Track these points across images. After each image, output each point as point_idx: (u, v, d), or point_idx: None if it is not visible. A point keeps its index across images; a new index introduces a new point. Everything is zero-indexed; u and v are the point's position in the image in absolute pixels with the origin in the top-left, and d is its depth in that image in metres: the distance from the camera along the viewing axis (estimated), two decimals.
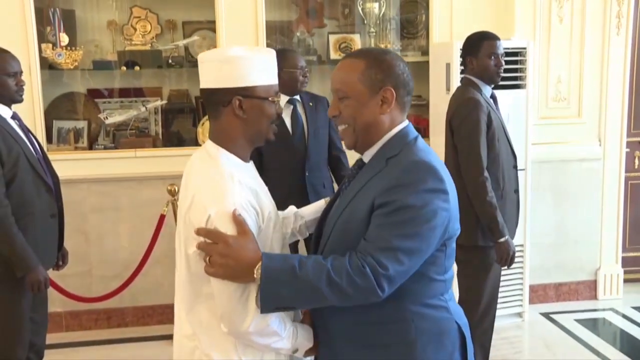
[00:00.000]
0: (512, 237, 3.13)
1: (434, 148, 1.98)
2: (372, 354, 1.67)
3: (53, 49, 4.02)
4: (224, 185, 1.61)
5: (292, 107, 3.46)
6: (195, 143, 4.17)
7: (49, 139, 4.10)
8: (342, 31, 4.58)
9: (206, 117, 4.01)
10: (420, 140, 1.71)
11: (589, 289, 4.58)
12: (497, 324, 3.42)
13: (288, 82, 3.34)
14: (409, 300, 1.65)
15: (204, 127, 4.12)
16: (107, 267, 4.08)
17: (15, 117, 2.90)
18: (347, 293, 1.53)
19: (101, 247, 4.09)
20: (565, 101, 4.36)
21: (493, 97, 3.24)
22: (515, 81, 3.96)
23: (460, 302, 2.84)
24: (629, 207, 4.69)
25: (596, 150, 4.45)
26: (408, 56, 4.42)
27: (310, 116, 3.50)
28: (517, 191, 3.24)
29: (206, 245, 1.58)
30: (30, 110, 3.79)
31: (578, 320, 4.25)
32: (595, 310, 4.44)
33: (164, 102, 4.34)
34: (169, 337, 3.80)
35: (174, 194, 3.69)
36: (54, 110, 4.22)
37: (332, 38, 4.48)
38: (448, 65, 3.93)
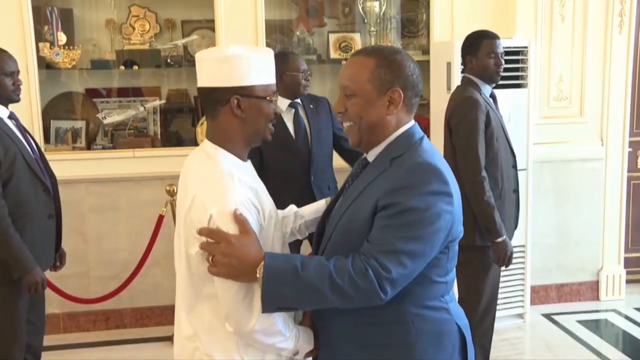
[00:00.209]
0: (511, 237, 3.12)
1: None
2: (372, 355, 1.67)
3: (51, 48, 4.00)
4: (224, 185, 1.61)
5: (293, 110, 3.42)
6: (195, 143, 4.15)
7: (47, 139, 4.08)
8: (342, 30, 4.56)
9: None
10: (426, 141, 1.70)
11: (591, 289, 4.55)
12: (498, 325, 3.41)
13: (290, 85, 3.31)
14: (410, 302, 1.64)
15: (203, 127, 4.10)
16: (105, 268, 4.06)
17: (12, 117, 2.89)
18: (349, 295, 1.53)
19: (99, 248, 4.07)
20: (567, 100, 4.33)
21: (493, 96, 3.23)
22: (516, 80, 3.94)
23: (460, 302, 2.80)
24: (632, 207, 4.66)
25: (598, 150, 4.43)
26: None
27: (312, 119, 3.46)
28: (516, 191, 3.23)
29: (209, 245, 1.57)
30: (27, 110, 3.77)
31: (580, 322, 4.23)
32: (597, 311, 4.42)
33: (163, 101, 4.32)
34: (168, 338, 3.84)
35: (172, 194, 3.68)
36: (51, 110, 4.20)
37: (332, 37, 4.46)
38: (449, 65, 3.91)
